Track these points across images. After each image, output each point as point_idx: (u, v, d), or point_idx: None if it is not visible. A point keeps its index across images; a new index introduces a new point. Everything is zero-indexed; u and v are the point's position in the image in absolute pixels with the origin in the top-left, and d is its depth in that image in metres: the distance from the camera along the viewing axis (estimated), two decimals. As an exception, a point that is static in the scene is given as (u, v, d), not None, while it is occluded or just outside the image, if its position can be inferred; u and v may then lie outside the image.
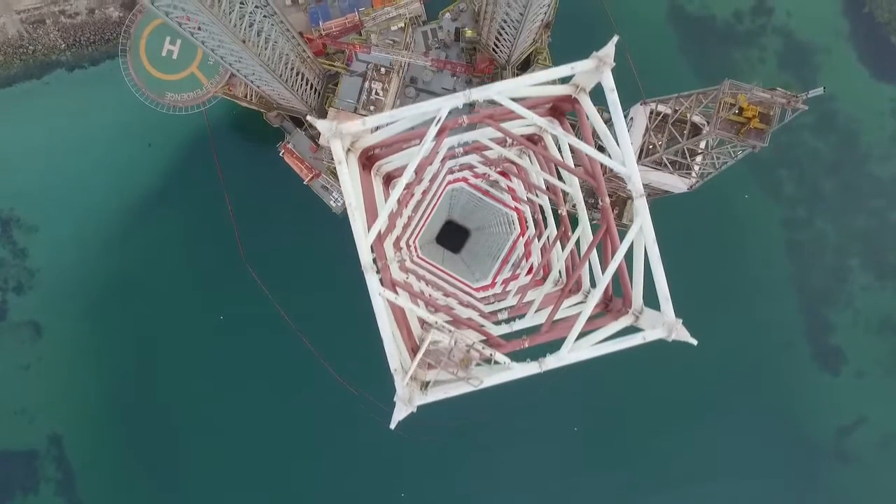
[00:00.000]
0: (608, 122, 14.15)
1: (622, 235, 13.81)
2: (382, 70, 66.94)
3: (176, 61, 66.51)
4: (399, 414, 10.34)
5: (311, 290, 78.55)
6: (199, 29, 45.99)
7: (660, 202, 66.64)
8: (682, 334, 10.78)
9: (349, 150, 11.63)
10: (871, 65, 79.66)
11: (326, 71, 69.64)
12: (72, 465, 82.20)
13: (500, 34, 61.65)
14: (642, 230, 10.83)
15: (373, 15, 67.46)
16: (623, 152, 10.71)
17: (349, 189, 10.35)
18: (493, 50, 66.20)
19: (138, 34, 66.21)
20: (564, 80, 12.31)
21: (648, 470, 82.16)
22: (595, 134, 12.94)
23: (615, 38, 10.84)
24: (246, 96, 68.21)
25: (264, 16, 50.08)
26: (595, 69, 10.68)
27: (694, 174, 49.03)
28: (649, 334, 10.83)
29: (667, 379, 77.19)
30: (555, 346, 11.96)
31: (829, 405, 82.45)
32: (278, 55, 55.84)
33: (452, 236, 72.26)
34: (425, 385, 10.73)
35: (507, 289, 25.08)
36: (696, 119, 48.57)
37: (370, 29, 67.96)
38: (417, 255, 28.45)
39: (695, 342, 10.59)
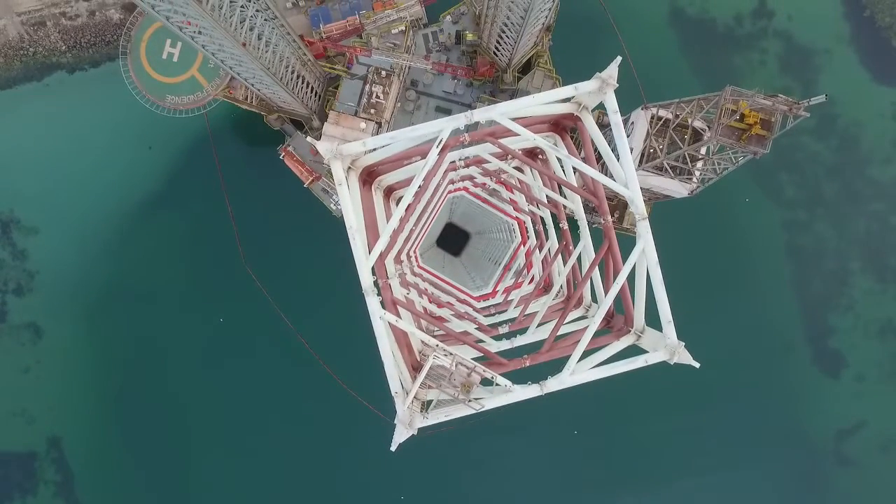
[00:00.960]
0: (607, 127, 13.99)
1: (623, 241, 13.72)
2: (383, 73, 66.74)
3: (176, 64, 66.45)
4: (399, 436, 10.27)
5: (311, 292, 78.47)
6: (200, 33, 45.85)
7: (660, 206, 66.60)
8: (685, 357, 10.70)
9: (350, 168, 11.57)
10: (872, 68, 79.52)
11: (327, 74, 69.50)
12: (71, 467, 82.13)
13: (501, 37, 61.41)
14: (645, 253, 10.76)
15: (373, 18, 67.35)
16: (626, 174, 10.61)
17: (349, 210, 10.24)
18: (494, 53, 66.03)
19: (139, 37, 66.17)
20: (567, 98, 12.23)
21: (648, 473, 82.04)
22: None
23: (618, 60, 10.76)
24: (246, 99, 68.14)
25: (265, 19, 49.98)
26: (598, 90, 10.60)
27: (695, 179, 48.93)
28: (651, 357, 10.76)
29: (667, 381, 76.99)
30: (555, 364, 11.88)
31: (830, 409, 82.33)
32: (278, 58, 55.73)
33: (453, 239, 72.10)
34: (426, 406, 10.66)
35: (509, 298, 24.92)
36: (698, 124, 48.47)
37: (371, 32, 67.83)
38: (418, 265, 28.32)
39: (697, 365, 10.51)
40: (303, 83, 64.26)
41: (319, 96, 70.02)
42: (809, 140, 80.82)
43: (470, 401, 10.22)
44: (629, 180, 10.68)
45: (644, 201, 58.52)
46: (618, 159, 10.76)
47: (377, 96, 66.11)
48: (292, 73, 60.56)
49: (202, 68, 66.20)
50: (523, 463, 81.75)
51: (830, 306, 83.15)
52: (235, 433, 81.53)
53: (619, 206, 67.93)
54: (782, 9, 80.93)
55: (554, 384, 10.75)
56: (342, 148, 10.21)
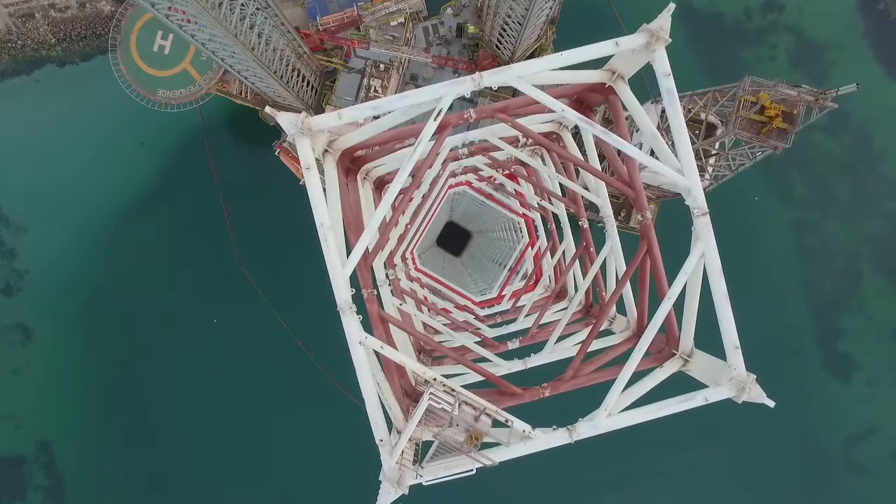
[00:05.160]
0: (612, 124, 11.78)
1: (632, 241, 11.56)
2: (382, 67, 64.86)
3: (168, 57, 64.56)
4: (386, 498, 8.07)
5: (308, 292, 76.17)
6: (189, 21, 43.84)
7: (668, 204, 64.41)
8: (757, 394, 8.43)
9: (326, 150, 9.36)
10: (886, 63, 77.39)
11: (324, 67, 67.62)
12: (61, 471, 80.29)
13: (504, 30, 59.83)
14: (705, 258, 8.49)
15: (372, 10, 65.39)
16: (681, 158, 8.35)
17: (321, 203, 7.95)
18: (497, 47, 64.32)
19: (129, 28, 64.30)
20: (593, 65, 9.96)
21: (651, 478, 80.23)
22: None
23: (671, 7, 8.59)
24: (241, 93, 66.24)
25: (257, 8, 47.90)
26: (645, 46, 8.37)
27: (707, 176, 46.66)
28: (713, 393, 8.51)
29: (668, 381, 74.87)
30: (575, 395, 9.62)
31: (840, 414, 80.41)
32: (272, 50, 53.71)
33: (453, 238, 70.10)
34: (420, 452, 8.43)
35: (518, 304, 22.55)
36: (711, 118, 46.16)
37: (369, 24, 65.95)
38: (416, 268, 25.93)
39: (772, 404, 8.31)
40: (298, 77, 62.21)
41: (316, 90, 67.99)
42: (821, 137, 78.74)
43: (478, 457, 8.00)
44: (685, 165, 8.44)
45: (653, 199, 56.02)
46: (670, 146, 8.49)
47: (375, 90, 64.14)
48: (287, 66, 58.54)
49: (194, 61, 64.29)
50: (523, 465, 79.64)
51: (841, 308, 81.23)
52: (230, 436, 79.70)
53: (625, 204, 65.87)
54: (793, 2, 78.90)
55: (586, 429, 8.51)
56: (311, 121, 7.97)
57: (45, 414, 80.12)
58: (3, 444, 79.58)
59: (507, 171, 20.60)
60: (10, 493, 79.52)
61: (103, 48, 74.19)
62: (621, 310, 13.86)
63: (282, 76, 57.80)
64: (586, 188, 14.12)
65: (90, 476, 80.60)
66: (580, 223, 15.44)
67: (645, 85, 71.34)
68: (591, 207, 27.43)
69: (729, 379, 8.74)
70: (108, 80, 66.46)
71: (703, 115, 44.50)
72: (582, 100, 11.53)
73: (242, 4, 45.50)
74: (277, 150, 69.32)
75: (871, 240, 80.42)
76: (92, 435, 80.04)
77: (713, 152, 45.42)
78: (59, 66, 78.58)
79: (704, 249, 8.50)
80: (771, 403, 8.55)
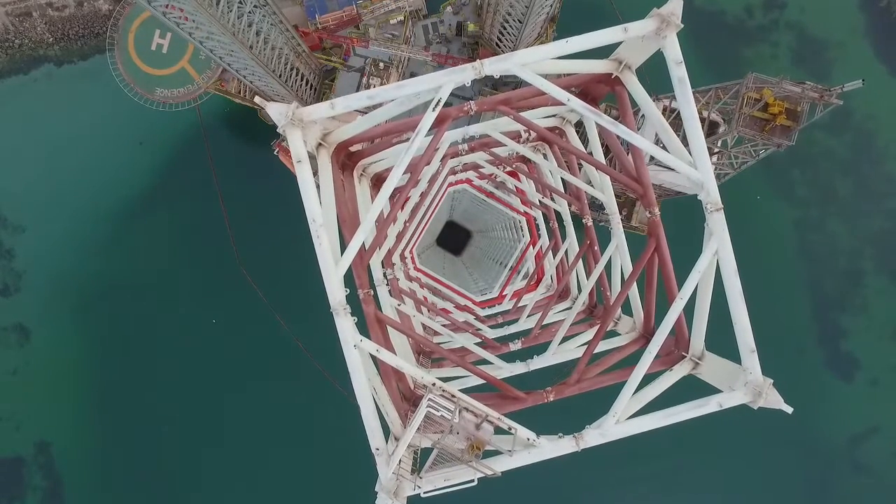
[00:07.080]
0: (616, 119, 11.48)
1: (634, 240, 11.20)
2: (381, 65, 64.50)
3: (166, 55, 64.20)
4: (382, 510, 7.72)
5: (308, 292, 75.69)
6: (186, 20, 43.47)
7: (670, 203, 63.96)
8: (774, 400, 8.06)
9: (321, 144, 9.00)
10: (889, 61, 77.04)
11: (323, 66, 67.25)
12: (59, 472, 79.93)
13: (504, 28, 59.53)
14: (718, 256, 8.11)
15: (371, 8, 65.01)
16: (693, 151, 7.96)
17: (313, 199, 7.58)
18: (497, 45, 63.97)
19: (127, 27, 63.93)
20: (598, 57, 9.56)
21: (652, 478, 79.81)
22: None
23: None
24: (239, 92, 65.87)
25: (255, 6, 47.52)
26: (655, 33, 7.98)
27: (710, 174, 46.24)
28: (727, 398, 8.12)
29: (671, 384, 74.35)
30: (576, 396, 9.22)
31: (843, 413, 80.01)
32: (271, 48, 53.35)
33: (453, 238, 69.70)
34: (418, 460, 8.05)
35: (520, 304, 22.10)
36: (713, 116, 45.74)
37: (368, 22, 65.60)
38: (415, 267, 25.48)
39: (790, 410, 7.96)
40: (297, 75, 61.85)
41: (315, 89, 67.65)
42: (823, 135, 78.39)
43: (480, 466, 7.61)
44: (697, 159, 8.03)
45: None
46: (681, 139, 8.10)
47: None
48: (286, 64, 58.19)
49: (193, 60, 63.93)
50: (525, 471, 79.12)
51: (843, 307, 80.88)
52: (230, 437, 79.37)
53: (626, 203, 65.43)
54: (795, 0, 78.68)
55: (594, 437, 8.14)
56: (302, 112, 7.61)
57: (43, 414, 79.78)
58: (2, 445, 79.28)
59: (508, 168, 20.18)
60: (10, 494, 79.23)
61: (101, 47, 73.88)
62: (626, 310, 13.49)
63: (280, 75, 57.43)
64: (590, 184, 13.74)
65: (89, 476, 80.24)
66: (584, 221, 15.02)
67: (646, 83, 71.03)
68: (594, 207, 26.93)
69: (744, 384, 8.35)
70: (106, 79, 66.16)
71: (705, 113, 44.10)
72: (587, 92, 11.14)
73: (240, 2, 45.12)
74: (276, 150, 68.90)
75: (873, 238, 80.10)
76: (91, 435, 79.70)
77: (716, 150, 45.03)
78: (57, 65, 78.23)
79: (718, 247, 8.14)
80: (789, 409, 8.19)
